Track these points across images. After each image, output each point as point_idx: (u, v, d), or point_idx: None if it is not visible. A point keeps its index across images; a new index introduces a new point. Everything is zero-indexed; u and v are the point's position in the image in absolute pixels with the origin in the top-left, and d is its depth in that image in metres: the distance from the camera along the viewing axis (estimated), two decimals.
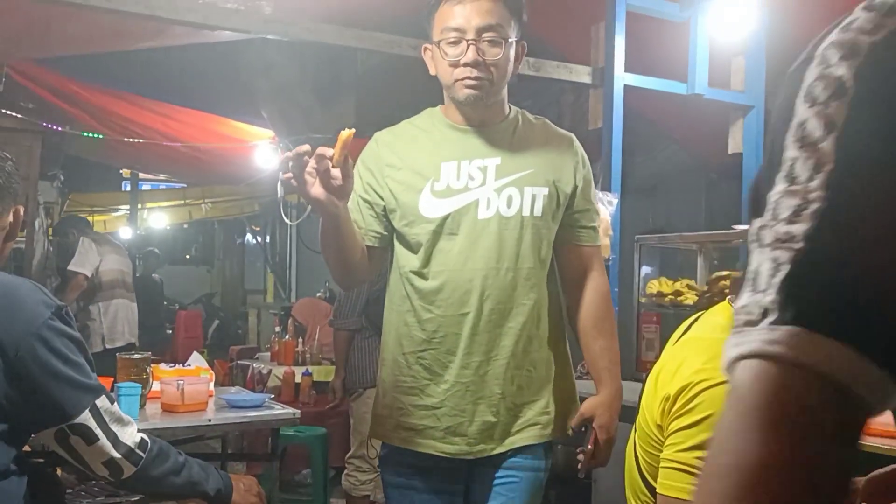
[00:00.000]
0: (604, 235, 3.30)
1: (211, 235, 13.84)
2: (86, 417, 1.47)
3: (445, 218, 1.72)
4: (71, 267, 5.07)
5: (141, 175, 9.27)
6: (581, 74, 3.37)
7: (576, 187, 1.79)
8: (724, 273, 3.13)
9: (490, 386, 1.72)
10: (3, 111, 4.28)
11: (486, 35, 1.66)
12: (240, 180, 7.21)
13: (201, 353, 9.19)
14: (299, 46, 3.98)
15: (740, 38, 3.63)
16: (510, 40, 1.69)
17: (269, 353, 5.81)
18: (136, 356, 2.55)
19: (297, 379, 5.07)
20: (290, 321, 5.95)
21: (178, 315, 9.41)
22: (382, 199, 1.76)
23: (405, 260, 1.78)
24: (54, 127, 4.63)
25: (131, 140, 5.15)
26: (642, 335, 3.38)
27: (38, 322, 1.41)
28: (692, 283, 3.34)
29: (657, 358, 3.25)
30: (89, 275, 5.11)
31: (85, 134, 5.12)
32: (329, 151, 1.48)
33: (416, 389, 1.75)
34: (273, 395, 2.88)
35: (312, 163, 1.48)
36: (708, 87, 3.53)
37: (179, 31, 3.30)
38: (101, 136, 5.10)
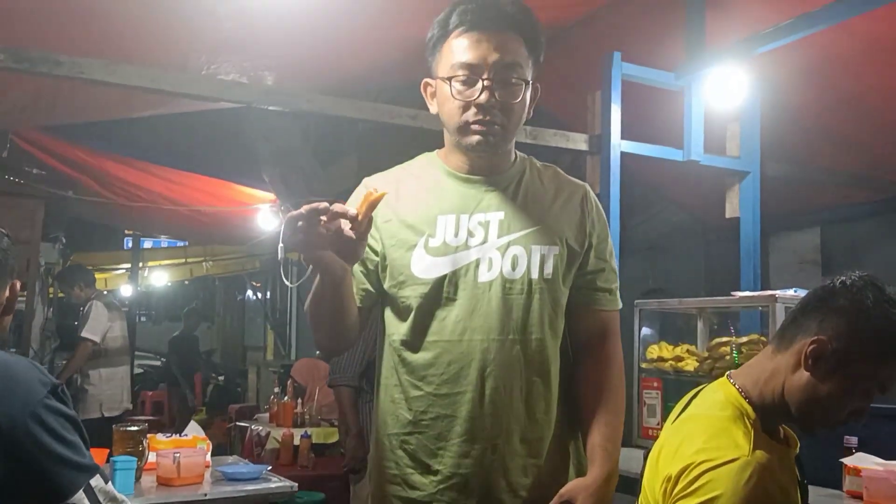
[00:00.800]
0: None
1: (211, 292, 13.86)
2: (79, 498, 1.46)
3: (441, 280, 1.50)
4: (84, 333, 5.03)
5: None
6: (578, 142, 3.42)
7: (590, 245, 1.59)
8: (724, 339, 3.13)
9: (496, 479, 1.49)
10: (8, 177, 4.33)
11: (504, 75, 1.48)
12: (241, 241, 7.25)
13: (200, 411, 9.19)
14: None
15: (735, 106, 3.70)
16: (528, 82, 1.51)
17: (267, 414, 5.76)
18: (133, 428, 2.54)
19: (296, 441, 5.02)
20: (289, 382, 5.92)
21: None
22: (377, 255, 1.56)
23: (394, 327, 1.57)
24: (58, 192, 4.67)
25: (135, 204, 5.20)
26: (643, 401, 3.36)
27: (34, 401, 1.41)
28: (693, 347, 3.34)
29: (659, 424, 3.24)
30: (99, 341, 5.09)
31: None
32: (346, 209, 1.31)
33: (399, 478, 1.54)
34: (270, 467, 2.85)
35: (325, 221, 1.29)
36: (703, 153, 3.58)
37: (184, 100, 3.36)
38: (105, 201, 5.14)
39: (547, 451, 1.54)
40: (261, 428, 5.40)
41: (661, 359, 3.31)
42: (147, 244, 10.30)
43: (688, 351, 3.28)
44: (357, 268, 1.55)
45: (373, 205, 1.32)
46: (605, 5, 3.82)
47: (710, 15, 3.59)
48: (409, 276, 1.52)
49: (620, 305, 1.65)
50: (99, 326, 5.08)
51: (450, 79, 1.48)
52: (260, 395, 9.31)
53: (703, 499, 1.26)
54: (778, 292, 2.95)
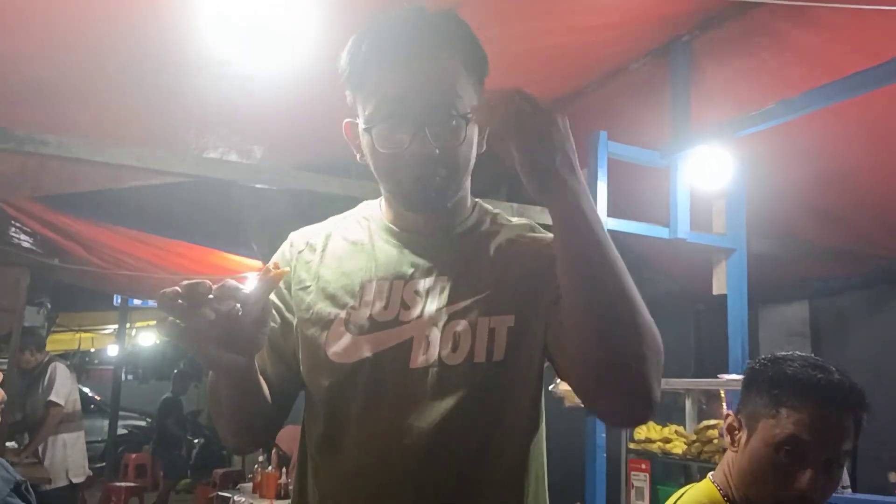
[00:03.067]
0: None
1: None
2: None
3: (359, 366, 1.13)
4: (52, 398, 4.93)
5: None
6: None
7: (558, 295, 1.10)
8: (713, 422, 3.09)
9: None
10: None
11: (440, 113, 1.11)
12: None
13: (183, 475, 9.02)
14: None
15: (720, 184, 3.73)
16: (473, 131, 1.15)
17: (251, 484, 5.64)
18: None
19: None
20: (273, 451, 5.81)
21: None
22: (293, 331, 1.21)
23: (308, 426, 1.22)
24: (45, 260, 4.65)
25: (122, 273, 5.17)
26: (631, 483, 3.31)
27: None
28: (681, 429, 3.30)
29: None
30: (64, 405, 4.97)
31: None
32: (236, 287, 1.00)
33: None
34: None
35: (213, 303, 0.98)
36: (690, 230, 3.59)
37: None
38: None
39: None
40: (244, 499, 5.29)
41: (648, 440, 3.27)
42: (136, 301, 10.24)
43: (676, 432, 3.24)
44: (268, 347, 1.18)
45: (270, 284, 1.04)
46: (590, 83, 3.89)
47: (695, 94, 3.65)
48: (323, 361, 1.15)
49: None
50: (64, 390, 4.96)
51: (370, 128, 1.14)
52: (245, 459, 9.14)
53: None
54: None
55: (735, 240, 3.73)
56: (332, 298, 1.18)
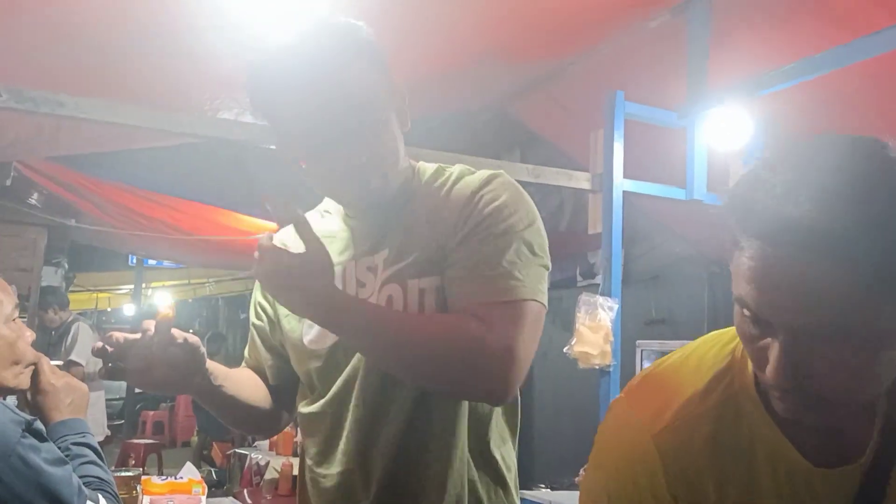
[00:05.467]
0: (604, 342, 3.30)
1: (214, 310, 13.86)
2: None
3: (333, 350, 1.26)
4: (73, 357, 4.97)
5: None
6: (580, 181, 3.41)
7: (464, 237, 1.19)
8: None
9: None
10: (11, 205, 4.34)
11: (345, 123, 1.16)
12: (243, 269, 7.26)
13: (199, 432, 9.15)
14: None
15: (738, 144, 3.68)
16: (385, 114, 1.20)
17: (267, 442, 5.73)
18: (127, 473, 2.51)
19: (296, 471, 4.98)
20: None
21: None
22: (277, 326, 1.36)
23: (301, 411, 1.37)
24: (61, 220, 4.68)
25: (138, 233, 5.20)
26: None
27: (12, 443, 1.38)
28: None
29: None
30: (85, 365, 5.00)
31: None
32: (131, 339, 1.14)
33: None
34: None
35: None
36: (707, 191, 3.56)
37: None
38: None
39: None
40: (260, 456, 5.37)
41: None
42: (151, 261, 10.33)
43: None
44: (258, 342, 1.38)
45: (163, 324, 1.12)
46: (605, 41, 3.82)
47: (714, 53, 3.58)
48: (303, 350, 1.29)
49: (527, 296, 1.16)
50: (85, 350, 4.98)
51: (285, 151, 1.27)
52: None
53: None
54: None
55: None
56: None
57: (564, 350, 3.27)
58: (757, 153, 3.75)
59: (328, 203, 1.38)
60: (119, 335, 1.14)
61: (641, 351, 3.43)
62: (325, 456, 1.28)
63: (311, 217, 1.32)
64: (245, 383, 1.34)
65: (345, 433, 1.25)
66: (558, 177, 3.38)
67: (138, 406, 10.81)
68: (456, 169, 1.30)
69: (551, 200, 6.09)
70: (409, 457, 1.22)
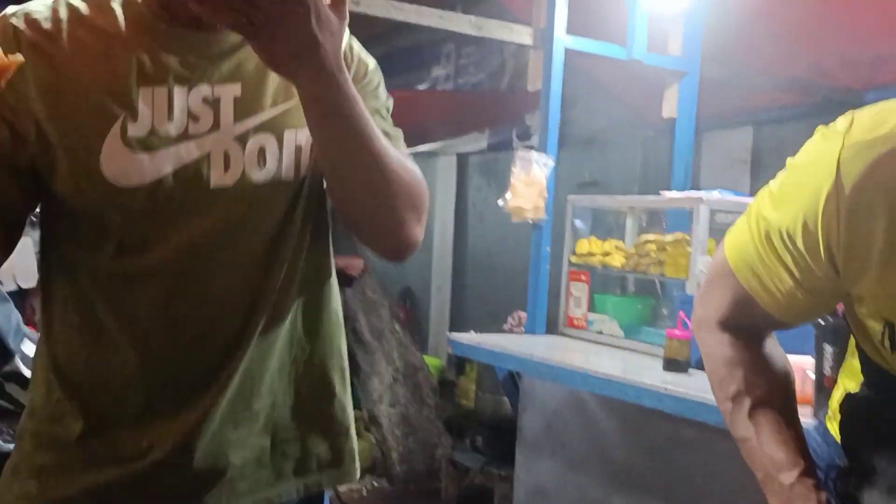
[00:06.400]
0: (538, 197, 3.39)
1: None
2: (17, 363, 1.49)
3: (153, 189, 1.00)
4: None
5: None
6: (522, 35, 3.39)
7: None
8: (651, 237, 3.26)
9: None
10: None
11: None
12: None
13: None
14: None
15: (680, 5, 3.69)
16: None
17: None
18: None
19: None
20: None
21: None
22: (27, 141, 0.98)
23: (76, 257, 1.06)
24: None
25: None
26: (570, 292, 3.51)
27: None
28: (620, 244, 3.46)
29: (584, 315, 3.41)
30: None
31: None
32: None
33: None
34: None
35: None
36: (647, 52, 3.59)
37: None
38: None
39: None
40: None
41: (590, 253, 3.43)
42: None
43: (616, 247, 3.41)
44: None
45: (2, 73, 0.86)
46: None
47: None
48: (98, 182, 0.98)
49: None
50: None
51: None
52: None
53: None
54: (703, 194, 3.06)
55: (689, 63, 3.75)
56: (99, 105, 0.98)
57: (499, 203, 3.36)
58: (698, 14, 3.76)
59: None
60: None
61: (573, 207, 3.55)
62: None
63: (80, 6, 1.02)
64: None
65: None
66: (500, 30, 3.35)
67: None
68: None
69: (493, 59, 6.04)
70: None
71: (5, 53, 0.86)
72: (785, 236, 0.95)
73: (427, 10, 3.08)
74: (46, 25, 0.99)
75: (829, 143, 0.90)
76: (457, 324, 6.24)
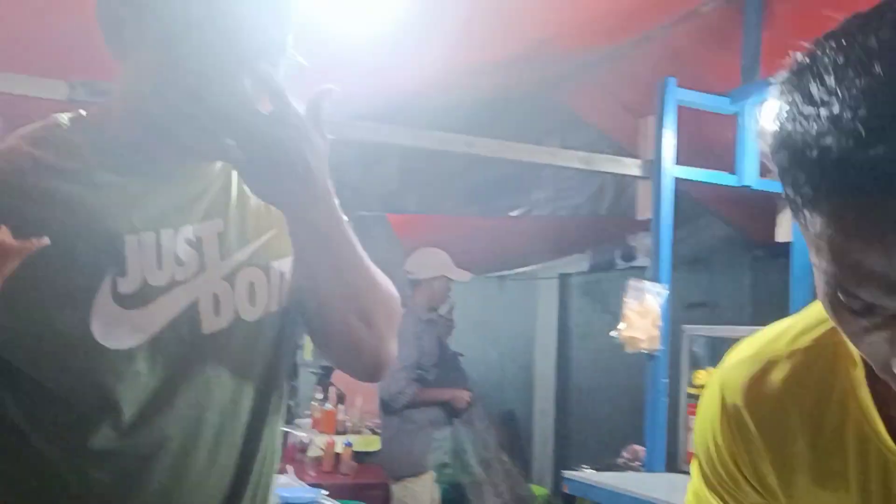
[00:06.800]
0: (652, 327, 3.32)
1: None
2: None
3: (154, 345, 0.91)
4: None
5: None
6: (631, 168, 3.41)
7: None
8: None
9: None
10: None
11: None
12: None
13: None
14: None
15: None
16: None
17: (309, 420, 5.84)
18: None
19: (338, 449, 5.09)
20: (331, 388, 5.99)
21: None
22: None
23: (63, 423, 0.92)
24: None
25: None
26: (689, 426, 3.36)
27: None
28: None
29: None
30: None
31: None
32: None
33: None
34: (327, 492, 2.90)
35: None
36: (758, 178, 3.55)
37: None
38: None
39: None
40: (304, 434, 5.48)
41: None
42: None
43: None
44: None
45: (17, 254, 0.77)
46: (658, 27, 3.80)
47: (767, 38, 3.55)
48: (92, 348, 0.88)
49: None
50: None
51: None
52: (299, 394, 9.32)
53: None
54: None
55: None
56: (85, 264, 0.88)
57: (612, 334, 3.30)
58: None
59: (74, 135, 0.95)
60: None
61: (687, 336, 3.45)
62: None
63: (38, 149, 0.92)
64: None
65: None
66: (609, 164, 3.39)
67: None
68: None
69: (593, 182, 6.09)
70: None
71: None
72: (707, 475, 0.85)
73: (538, 148, 3.16)
74: (12, 180, 0.90)
75: (711, 377, 0.84)
76: (562, 450, 6.05)
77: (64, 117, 0.97)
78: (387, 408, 3.84)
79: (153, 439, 0.93)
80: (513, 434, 6.62)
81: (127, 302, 0.90)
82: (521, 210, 6.86)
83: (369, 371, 1.07)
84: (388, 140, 3.00)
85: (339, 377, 6.45)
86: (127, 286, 0.90)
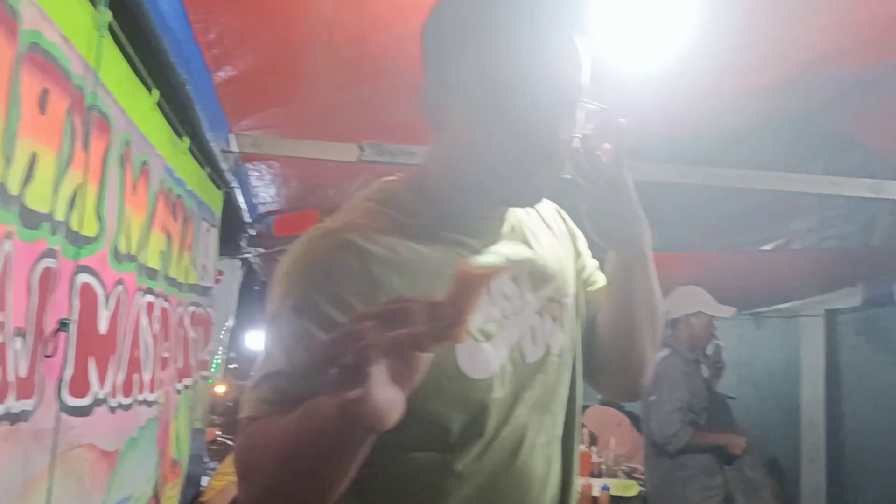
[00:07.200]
0: None
1: None
2: None
3: (500, 375, 1.02)
4: None
5: None
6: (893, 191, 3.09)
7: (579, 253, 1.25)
8: None
9: None
10: None
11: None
12: None
13: None
14: None
15: None
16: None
17: None
18: None
19: (595, 492, 5.01)
20: (583, 429, 5.94)
21: None
22: None
23: (422, 447, 1.00)
24: None
25: None
26: None
27: None
28: None
29: None
30: None
31: None
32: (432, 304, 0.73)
33: None
34: None
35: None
36: None
37: None
38: None
39: None
40: None
41: None
42: None
43: None
44: None
45: (476, 284, 0.74)
46: None
47: None
48: (456, 378, 0.98)
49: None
50: None
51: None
52: None
53: None
54: None
55: None
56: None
57: None
58: None
59: (404, 204, 1.06)
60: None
61: None
62: None
63: (383, 218, 1.03)
64: None
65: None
66: (863, 188, 3.06)
67: None
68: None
69: (863, 212, 5.59)
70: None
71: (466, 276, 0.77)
72: None
73: (816, 178, 2.96)
74: (381, 226, 1.02)
75: None
76: (835, 501, 5.52)
77: (392, 181, 1.11)
78: (659, 451, 3.69)
79: (502, 457, 1.04)
80: (779, 484, 6.15)
81: (483, 332, 1.02)
82: (778, 242, 6.44)
83: (641, 389, 1.23)
84: (667, 179, 2.94)
85: (590, 418, 6.38)
86: (477, 318, 1.01)
